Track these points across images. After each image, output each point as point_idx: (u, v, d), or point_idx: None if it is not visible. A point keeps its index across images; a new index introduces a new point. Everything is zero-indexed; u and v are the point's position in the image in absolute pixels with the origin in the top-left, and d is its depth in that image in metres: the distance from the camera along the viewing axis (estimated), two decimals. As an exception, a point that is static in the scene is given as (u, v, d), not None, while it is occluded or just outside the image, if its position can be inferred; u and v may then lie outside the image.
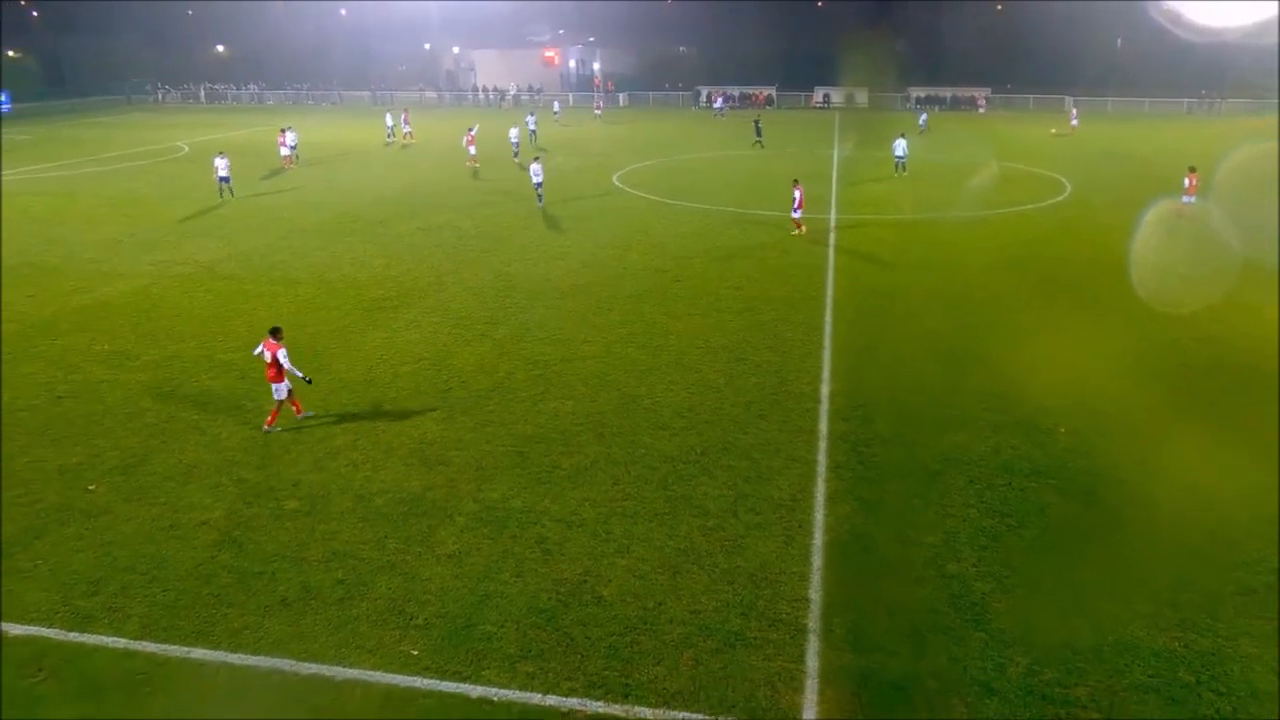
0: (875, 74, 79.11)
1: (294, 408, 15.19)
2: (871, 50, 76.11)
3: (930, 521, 11.99)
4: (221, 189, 35.89)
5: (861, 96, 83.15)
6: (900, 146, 41.25)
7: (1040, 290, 22.89)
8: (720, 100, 79.45)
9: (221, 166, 35.84)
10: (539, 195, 34.26)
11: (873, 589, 10.66)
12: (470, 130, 45.89)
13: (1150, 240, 28.09)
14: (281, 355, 14.46)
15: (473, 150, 44.64)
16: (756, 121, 56.28)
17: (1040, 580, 10.77)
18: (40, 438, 14.59)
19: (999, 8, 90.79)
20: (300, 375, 14.77)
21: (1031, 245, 27.88)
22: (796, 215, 29.00)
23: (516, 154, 46.98)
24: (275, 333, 14.71)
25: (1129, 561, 11.14)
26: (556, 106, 75.19)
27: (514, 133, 48.19)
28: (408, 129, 55.71)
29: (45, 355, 18.36)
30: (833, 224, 30.76)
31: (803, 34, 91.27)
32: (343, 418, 15.31)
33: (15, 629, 9.88)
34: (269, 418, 14.83)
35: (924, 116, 65.27)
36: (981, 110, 63.89)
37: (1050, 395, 15.73)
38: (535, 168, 34.29)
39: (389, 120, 57.35)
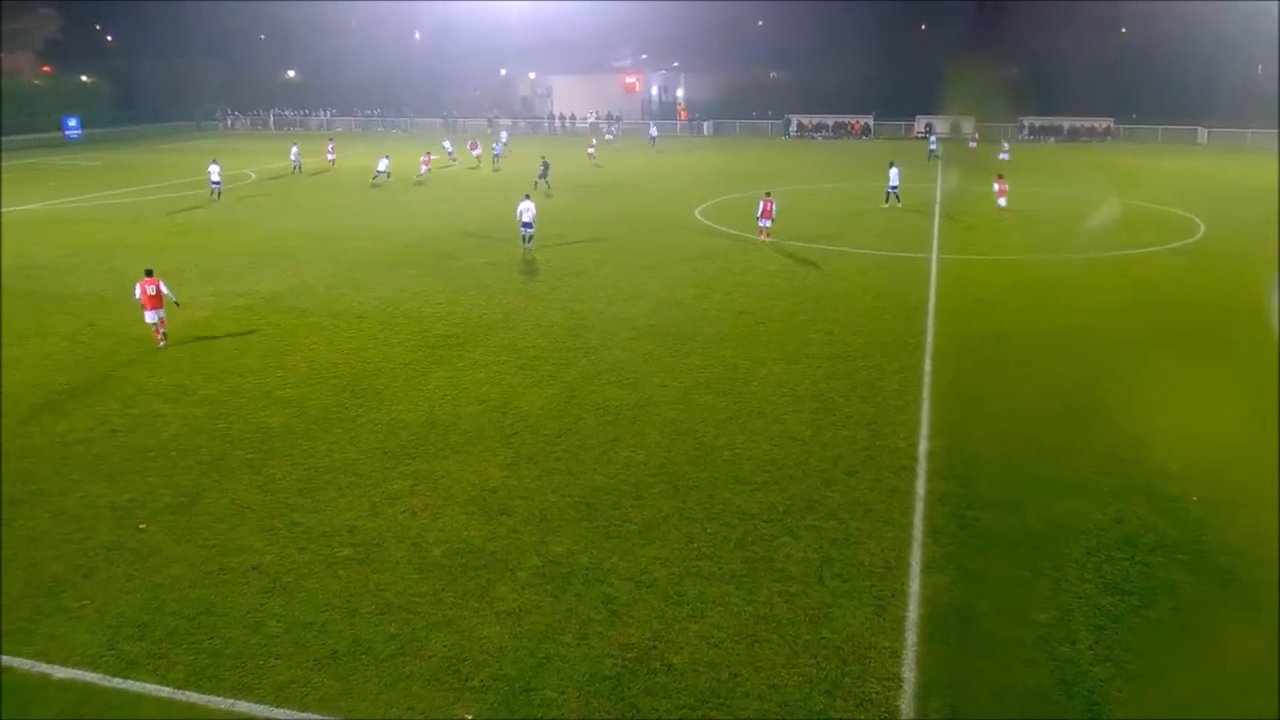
0: (983, 102, 78.30)
1: (159, 336, 21.33)
2: (979, 77, 75.41)
3: (1041, 597, 11.59)
4: (214, 192, 44.59)
5: (968, 126, 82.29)
6: (894, 176, 42.18)
7: (1167, 339, 22.15)
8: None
9: (214, 173, 44.94)
10: (525, 237, 32.33)
11: (974, 670, 10.32)
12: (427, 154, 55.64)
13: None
14: (163, 286, 21.11)
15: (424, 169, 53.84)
16: (545, 163, 48.94)
17: (1167, 668, 10.29)
18: (93, 472, 15.17)
19: (1122, 31, 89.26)
20: (174, 299, 21.64)
21: (1157, 289, 27.09)
22: (764, 224, 33.28)
23: (379, 177, 51.12)
24: (150, 273, 21.23)
25: (1272, 650, 10.56)
26: (654, 130, 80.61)
27: (383, 163, 51.76)
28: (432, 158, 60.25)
29: (103, 387, 19.16)
30: (934, 264, 30.39)
31: (903, 60, 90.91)
32: (402, 461, 15.58)
33: (60, 671, 10.20)
34: (158, 336, 21.34)
35: (982, 143, 65.05)
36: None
37: (1179, 459, 15.13)
38: (526, 205, 32.42)
39: (448, 145, 64.00)
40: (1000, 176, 39.67)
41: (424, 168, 53.93)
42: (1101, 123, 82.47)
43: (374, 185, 50.51)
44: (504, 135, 68.43)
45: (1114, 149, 75.23)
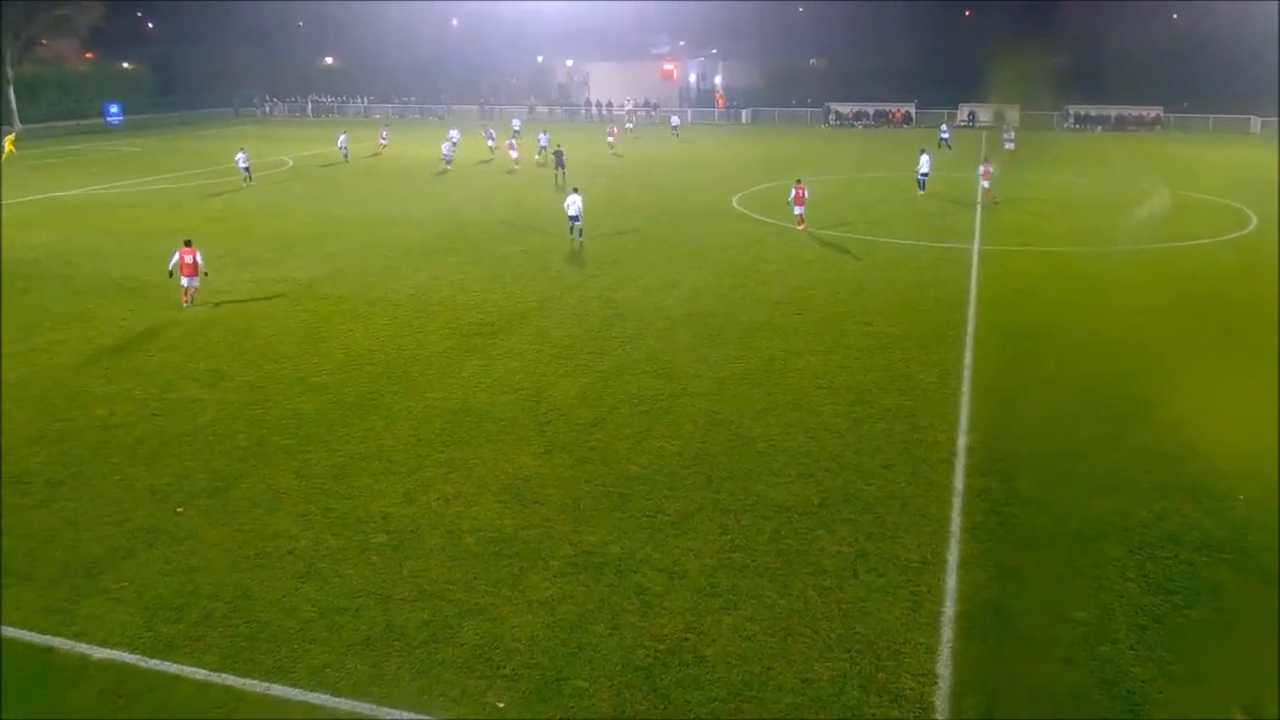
0: (1029, 90, 77.25)
1: (186, 299, 23.70)
2: (1024, 65, 74.37)
3: (1081, 595, 11.46)
4: (244, 177, 46.29)
5: (1013, 115, 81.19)
6: (925, 163, 42.59)
7: (1214, 334, 21.78)
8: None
9: (241, 160, 46.80)
10: (575, 229, 31.47)
11: (1011, 668, 10.24)
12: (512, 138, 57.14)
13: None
14: (199, 256, 23.63)
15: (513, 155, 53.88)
16: (558, 152, 48.15)
17: (1211, 669, 10.15)
18: (132, 455, 15.45)
19: (1173, 17, 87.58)
20: (204, 269, 23.99)
21: (1203, 284, 26.61)
22: (798, 212, 33.83)
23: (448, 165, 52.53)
24: (189, 243, 23.82)
25: (1320, 655, 10.39)
26: (675, 119, 78.80)
27: (447, 147, 53.52)
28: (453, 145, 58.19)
29: (142, 371, 19.47)
30: (975, 255, 30.08)
31: (947, 47, 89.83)
32: (435, 448, 15.70)
33: (99, 652, 10.41)
34: (185, 299, 23.67)
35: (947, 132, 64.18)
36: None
37: (1225, 457, 14.87)
38: (572, 199, 31.49)
39: (454, 135, 58.09)
40: (986, 160, 42.02)
41: (513, 152, 53.68)
42: (1151, 111, 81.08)
43: (442, 171, 51.70)
44: (516, 124, 68.27)
45: (1163, 138, 73.99)
